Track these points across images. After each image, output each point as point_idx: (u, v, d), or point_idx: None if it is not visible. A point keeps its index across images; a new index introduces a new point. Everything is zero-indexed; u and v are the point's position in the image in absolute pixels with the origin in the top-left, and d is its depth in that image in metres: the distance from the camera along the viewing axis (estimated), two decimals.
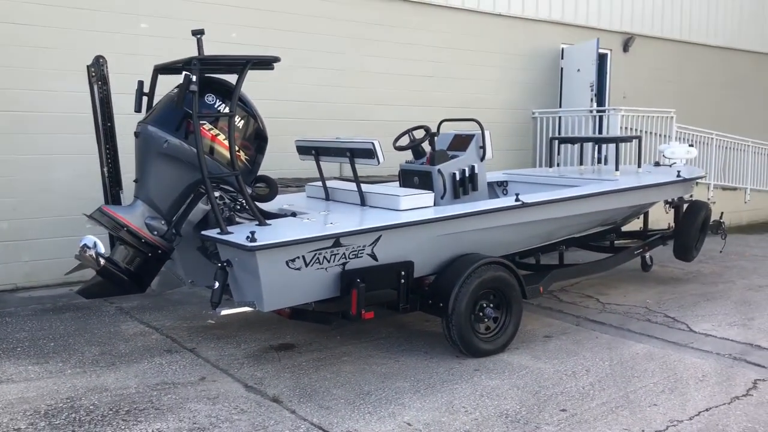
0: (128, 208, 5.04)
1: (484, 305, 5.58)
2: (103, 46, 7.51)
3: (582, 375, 5.22)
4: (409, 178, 6.57)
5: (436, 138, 6.56)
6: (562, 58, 12.39)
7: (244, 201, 5.10)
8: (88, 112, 5.34)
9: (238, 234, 4.66)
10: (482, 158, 6.48)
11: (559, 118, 11.86)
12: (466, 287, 5.38)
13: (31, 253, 7.77)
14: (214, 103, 5.06)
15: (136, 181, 5.14)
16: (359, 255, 5.03)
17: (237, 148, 5.15)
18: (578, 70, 11.96)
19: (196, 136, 4.78)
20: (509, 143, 11.91)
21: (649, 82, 13.83)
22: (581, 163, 8.56)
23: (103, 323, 6.43)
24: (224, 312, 4.79)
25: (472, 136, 6.50)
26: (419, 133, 6.63)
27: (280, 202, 6.27)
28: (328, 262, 4.89)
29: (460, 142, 6.57)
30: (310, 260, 4.79)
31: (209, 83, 5.15)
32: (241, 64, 5.04)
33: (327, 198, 6.28)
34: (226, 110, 5.05)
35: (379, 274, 5.16)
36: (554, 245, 7.15)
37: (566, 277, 6.88)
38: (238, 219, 5.39)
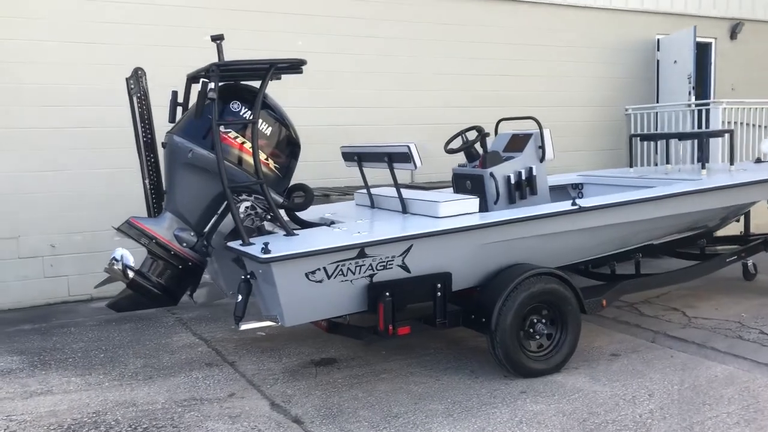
0: (157, 220, 4.98)
1: (535, 321, 5.09)
2: (165, 58, 7.64)
3: (643, 401, 4.63)
4: (461, 183, 6.17)
5: (489, 139, 6.12)
6: (658, 50, 11.49)
7: (270, 211, 4.89)
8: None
9: (257, 245, 4.46)
10: (542, 159, 5.97)
11: (655, 114, 10.98)
12: (511, 301, 4.92)
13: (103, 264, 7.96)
14: (240, 111, 4.90)
15: (165, 192, 5.07)
16: (388, 266, 4.71)
17: (265, 156, 4.97)
18: (675, 61, 11.04)
19: (215, 145, 4.64)
20: (599, 142, 11.19)
21: (762, 72, 12.59)
22: (668, 162, 7.79)
23: (157, 334, 6.45)
24: (244, 327, 4.60)
25: (530, 135, 6.02)
26: (473, 135, 6.20)
27: (326, 210, 6.06)
28: (353, 274, 4.60)
29: (517, 143, 6.10)
30: (333, 272, 4.51)
31: (236, 90, 5.01)
32: (264, 69, 4.84)
33: (372, 206, 6.00)
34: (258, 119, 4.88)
35: (411, 287, 4.81)
36: (629, 253, 6.49)
37: (639, 288, 6.21)
38: (270, 229, 5.20)
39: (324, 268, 4.48)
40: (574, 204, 5.35)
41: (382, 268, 4.69)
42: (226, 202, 5.12)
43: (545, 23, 10.60)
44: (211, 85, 4.64)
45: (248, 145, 4.87)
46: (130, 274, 4.83)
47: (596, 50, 11.09)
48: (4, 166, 7.48)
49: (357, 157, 5.84)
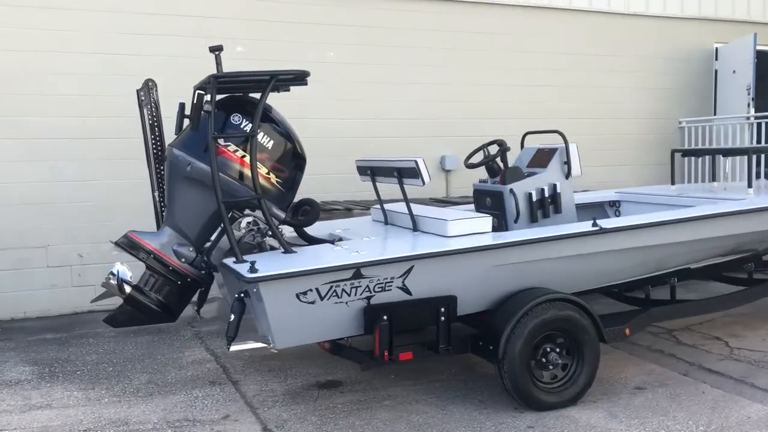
0: (155, 234, 4.87)
1: (548, 350, 4.75)
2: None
3: None
4: (481, 200, 5.87)
5: (514, 153, 5.81)
6: (716, 59, 10.87)
7: (268, 227, 4.72)
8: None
9: (246, 264, 4.28)
10: (567, 176, 5.61)
11: (711, 127, 10.37)
12: (520, 328, 4.60)
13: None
14: (240, 124, 4.75)
15: (164, 206, 4.97)
16: (387, 288, 4.46)
17: (267, 171, 4.81)
18: (734, 71, 10.41)
19: (210, 158, 4.50)
20: (650, 157, 10.65)
21: None
22: (713, 179, 7.27)
23: (170, 348, 6.37)
24: (234, 348, 4.44)
25: (555, 150, 5.67)
26: (495, 149, 5.90)
27: (339, 226, 5.87)
28: (349, 295, 4.37)
29: (542, 158, 5.77)
30: (326, 293, 4.30)
31: (239, 103, 4.88)
32: (264, 81, 4.69)
33: (386, 222, 5.76)
34: (259, 132, 4.73)
35: (411, 311, 4.55)
36: (664, 277, 6.04)
37: (669, 316, 5.75)
38: (274, 245, 5.03)
39: (316, 289, 4.27)
40: (594, 225, 4.98)
41: (380, 290, 4.45)
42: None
43: (592, 32, 10.18)
44: (207, 97, 4.53)
45: (249, 158, 4.71)
46: (127, 289, 4.74)
47: (648, 60, 10.57)
48: (35, 177, 7.59)
49: (370, 171, 5.63)
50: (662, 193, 6.81)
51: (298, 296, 4.24)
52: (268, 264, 4.28)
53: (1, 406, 4.97)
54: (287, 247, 4.67)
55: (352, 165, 8.33)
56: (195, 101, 4.59)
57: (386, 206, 5.71)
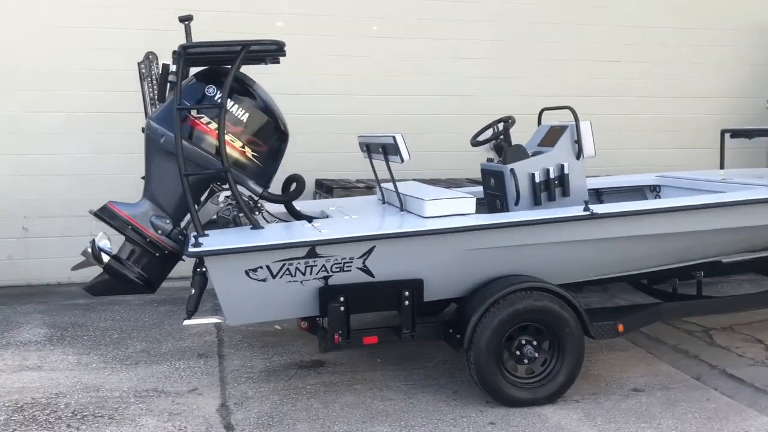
0: (134, 205, 4.90)
1: (523, 342, 4.40)
2: None
3: None
4: (487, 180, 5.53)
5: (511, 130, 5.42)
6: None
7: (235, 200, 4.63)
8: None
9: (198, 239, 4.22)
10: (578, 156, 5.17)
11: None
12: (489, 317, 4.29)
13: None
14: (215, 96, 4.67)
15: (143, 178, 5.00)
16: (346, 269, 4.27)
17: (241, 144, 4.73)
18: None
19: (175, 130, 4.46)
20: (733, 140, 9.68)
21: None
22: None
23: (181, 319, 6.46)
24: (187, 322, 4.42)
25: (565, 127, 5.24)
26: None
27: (338, 203, 5.71)
28: (303, 274, 4.22)
29: (552, 137, 5.35)
30: (278, 271, 4.17)
31: (217, 74, 4.80)
32: (234, 52, 4.58)
33: (383, 201, 5.55)
34: (233, 104, 4.65)
35: (371, 293, 4.34)
36: (690, 269, 5.46)
37: (679, 314, 5.20)
38: (268, 220, 4.98)
39: (267, 267, 4.15)
40: (586, 209, 4.54)
41: (338, 270, 4.27)
42: (209, 190, 4.99)
43: (669, 1, 9.35)
44: (172, 67, 4.48)
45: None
46: (105, 258, 4.81)
47: (737, 32, 9.61)
48: (81, 148, 7.88)
49: (366, 147, 5.42)
50: (706, 178, 6.16)
51: (247, 273, 4.14)
52: (220, 239, 4.21)
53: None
54: (255, 223, 4.56)
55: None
56: (161, 72, 4.55)
57: (397, 186, 5.47)
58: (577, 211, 4.55)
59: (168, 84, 4.54)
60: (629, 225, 4.63)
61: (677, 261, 5.11)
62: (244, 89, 4.79)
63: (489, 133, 5.56)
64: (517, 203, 5.10)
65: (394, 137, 4.70)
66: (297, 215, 5.19)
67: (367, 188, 7.19)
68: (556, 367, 4.42)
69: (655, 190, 6.54)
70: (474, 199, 4.67)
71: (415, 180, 7.59)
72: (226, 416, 4.30)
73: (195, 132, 4.65)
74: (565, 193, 5.16)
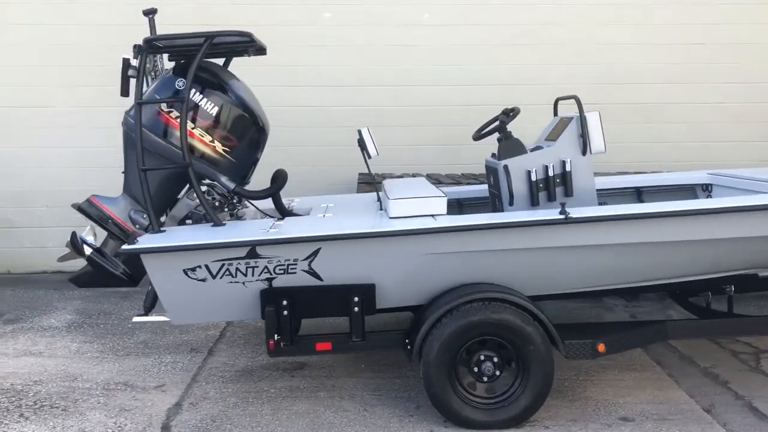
0: (115, 200, 4.93)
1: (482, 358, 3.99)
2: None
3: None
4: (489, 177, 5.11)
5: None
6: None
7: (196, 195, 4.54)
8: None
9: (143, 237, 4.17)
10: (584, 151, 4.63)
11: None
12: (440, 329, 3.92)
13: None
14: (183, 89, 4.60)
15: (123, 173, 5.02)
16: (290, 271, 4.06)
17: (210, 138, 4.63)
18: None
19: (136, 124, 4.43)
20: None
21: None
22: None
23: None
24: (136, 319, 4.39)
25: (570, 119, 4.71)
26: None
27: (331, 201, 5.49)
28: (245, 275, 4.05)
29: (557, 130, 4.83)
30: (218, 271, 4.03)
31: (188, 68, 4.72)
32: (197, 44, 4.48)
33: (378, 199, 5.26)
34: (202, 98, 4.58)
35: (316, 297, 4.09)
36: (720, 283, 4.73)
37: (687, 334, 4.47)
38: (255, 217, 4.91)
39: (206, 266, 4.02)
40: (562, 212, 4.03)
41: (282, 272, 4.06)
42: (187, 186, 4.95)
43: None
44: (133, 62, 4.44)
45: (190, 125, 4.58)
46: (87, 250, 4.89)
47: None
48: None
49: (359, 142, 5.16)
50: (761, 177, 5.34)
51: (186, 272, 4.03)
52: (168, 236, 4.13)
53: (3, 348, 5.47)
54: (216, 220, 4.46)
55: (453, 135, 7.92)
56: (122, 66, 4.53)
57: (382, 184, 5.21)
58: (551, 214, 4.04)
59: (129, 78, 4.50)
60: (614, 231, 4.06)
61: (692, 273, 4.43)
62: (216, 83, 4.68)
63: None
64: (511, 203, 4.65)
65: (360, 131, 4.42)
66: (284, 212, 5.04)
67: (457, 184, 6.81)
68: (518, 388, 3.97)
69: (706, 190, 5.77)
70: (445, 199, 4.28)
71: (428, 175, 7.25)
72: (171, 417, 4.24)
73: (167, 127, 4.60)
74: (568, 192, 4.64)
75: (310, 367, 5.00)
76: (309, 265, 4.05)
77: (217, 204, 4.90)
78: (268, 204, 5.08)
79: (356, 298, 4.08)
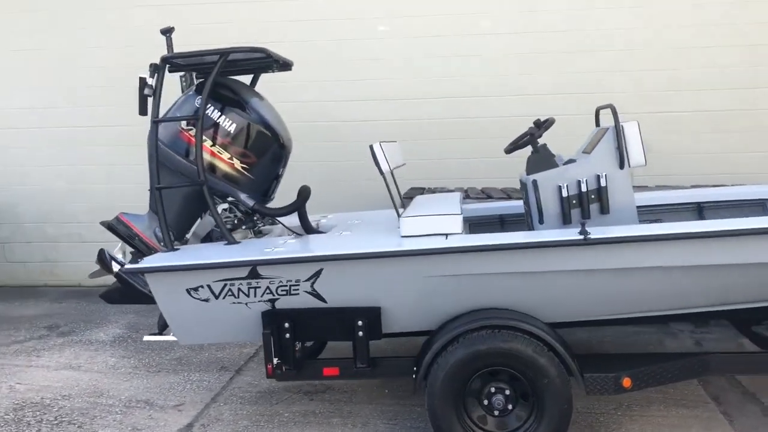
0: (141, 217, 4.97)
1: (493, 391, 3.68)
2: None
3: None
4: (523, 193, 4.80)
5: (542, 132, 4.62)
6: None
7: (211, 213, 4.49)
8: None
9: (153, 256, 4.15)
10: (622, 165, 4.26)
11: None
12: (445, 357, 3.66)
13: None
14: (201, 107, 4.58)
15: (149, 190, 5.05)
16: (293, 292, 3.91)
17: (229, 156, 4.59)
18: None
19: (149, 142, 4.45)
20: None
21: None
22: None
23: None
24: (147, 338, 4.36)
25: (606, 129, 4.35)
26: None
27: (364, 217, 5.33)
28: (247, 296, 3.94)
29: (593, 142, 4.47)
30: (220, 291, 3.94)
31: (213, 86, 4.70)
32: (212, 62, 4.44)
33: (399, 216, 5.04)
34: (220, 116, 4.56)
35: (320, 320, 3.92)
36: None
37: (724, 369, 3.94)
38: (279, 234, 4.84)
39: (209, 286, 3.94)
40: (582, 232, 3.67)
41: (285, 293, 3.92)
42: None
43: None
44: (149, 80, 4.45)
45: (209, 143, 4.55)
46: (115, 267, 4.94)
47: None
48: None
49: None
50: None
51: (189, 292, 3.96)
52: (175, 256, 4.09)
53: (47, 361, 5.63)
54: (230, 238, 4.39)
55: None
56: (139, 85, 4.55)
57: (401, 200, 5.00)
58: (570, 234, 3.70)
59: (146, 97, 4.51)
60: (637, 254, 3.66)
61: (730, 301, 3.94)
62: (235, 100, 4.64)
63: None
64: (541, 221, 4.31)
65: (371, 146, 4.23)
66: (308, 229, 4.93)
67: (508, 197, 6.55)
68: (532, 424, 3.63)
69: (764, 204, 5.21)
70: (459, 217, 4.01)
71: (483, 189, 6.93)
72: None
73: (188, 146, 4.60)
74: (604, 209, 4.26)
75: (333, 391, 4.83)
76: (311, 286, 3.89)
77: (236, 222, 4.85)
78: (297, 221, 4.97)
79: (360, 322, 3.88)
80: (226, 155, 4.59)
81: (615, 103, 5.29)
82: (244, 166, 4.62)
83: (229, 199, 4.82)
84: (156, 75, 4.46)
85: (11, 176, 8.59)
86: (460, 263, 3.78)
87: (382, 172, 4.26)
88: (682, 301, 3.85)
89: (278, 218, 5.03)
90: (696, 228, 3.59)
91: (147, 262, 3.98)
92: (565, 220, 4.28)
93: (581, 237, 3.63)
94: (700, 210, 5.32)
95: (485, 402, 3.69)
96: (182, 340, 4.17)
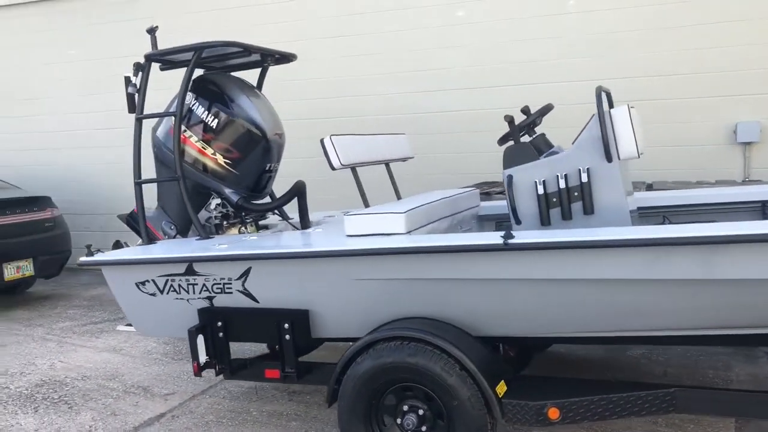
0: (152, 211, 5.18)
1: (406, 408, 3.34)
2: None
3: None
4: None
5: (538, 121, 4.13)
6: None
7: (188, 207, 4.53)
8: None
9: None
10: (609, 158, 3.69)
11: None
12: (354, 368, 3.38)
13: None
14: (189, 104, 4.66)
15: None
16: (227, 290, 3.84)
17: (212, 151, 4.63)
18: None
19: (134, 140, 4.60)
20: None
21: None
22: None
23: None
24: (119, 328, 4.51)
25: (592, 117, 3.79)
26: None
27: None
28: (187, 292, 3.94)
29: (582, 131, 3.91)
30: (164, 287, 3.98)
31: (201, 82, 4.77)
32: (189, 56, 4.49)
33: None
34: (204, 111, 4.62)
35: (249, 321, 3.81)
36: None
37: (710, 408, 3.15)
38: (281, 228, 4.87)
39: (153, 281, 4.00)
40: (507, 236, 3.18)
41: (219, 291, 3.87)
42: (213, 198, 5.01)
43: None
44: (134, 79, 4.60)
45: (194, 139, 4.63)
46: None
47: None
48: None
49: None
50: None
51: (138, 286, 4.05)
52: (138, 250, 4.20)
53: (100, 343, 6.07)
54: (203, 233, 4.44)
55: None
56: (125, 83, 4.70)
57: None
58: (491, 238, 3.22)
59: (134, 95, 4.65)
60: (565, 264, 3.09)
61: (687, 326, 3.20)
62: (219, 95, 4.66)
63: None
64: (518, 221, 3.87)
65: (322, 141, 4.03)
66: (305, 225, 4.85)
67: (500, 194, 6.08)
68: None
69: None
70: (403, 216, 3.67)
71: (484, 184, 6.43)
72: (140, 427, 4.28)
73: (179, 143, 4.70)
74: (587, 210, 3.72)
75: (318, 393, 4.68)
76: (243, 285, 3.80)
77: (222, 216, 4.86)
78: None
79: (286, 325, 3.71)
80: (209, 151, 4.62)
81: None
82: (228, 161, 4.62)
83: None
84: (140, 73, 4.60)
85: (91, 172, 9.45)
86: (383, 267, 3.47)
87: (332, 168, 4.04)
88: (624, 322, 3.21)
89: (271, 213, 5.01)
90: (632, 234, 2.96)
91: (99, 255, 4.11)
92: (543, 221, 3.79)
93: (502, 242, 3.15)
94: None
95: (398, 421, 3.35)
96: (141, 331, 4.28)
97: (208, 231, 4.82)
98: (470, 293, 3.35)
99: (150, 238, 4.57)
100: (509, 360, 3.95)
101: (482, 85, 7.52)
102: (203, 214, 4.93)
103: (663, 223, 4.21)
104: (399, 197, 5.12)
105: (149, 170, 4.78)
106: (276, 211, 5.16)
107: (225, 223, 4.80)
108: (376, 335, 3.35)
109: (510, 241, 3.12)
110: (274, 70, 5.43)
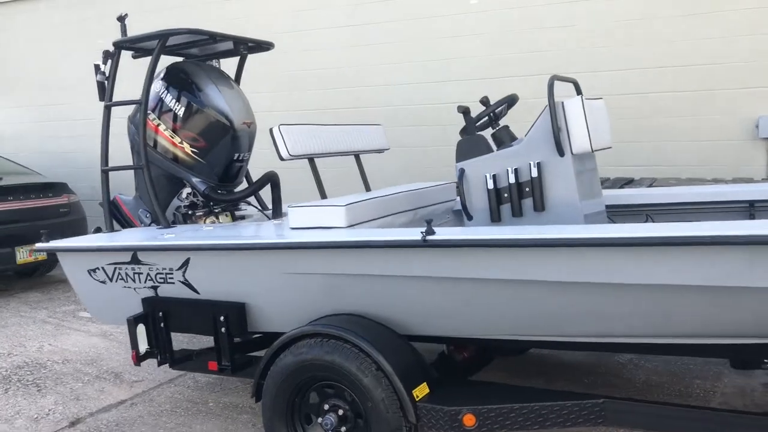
0: (131, 199, 5.22)
1: (326, 408, 3.24)
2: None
3: None
4: None
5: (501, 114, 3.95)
6: None
7: (150, 196, 4.53)
8: None
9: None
10: (560, 151, 3.50)
11: None
12: (278, 365, 3.30)
13: None
14: (159, 92, 4.65)
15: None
16: (169, 280, 3.82)
17: (180, 140, 4.62)
18: None
19: (102, 127, 4.63)
20: None
21: None
22: None
23: None
24: (82, 314, 4.54)
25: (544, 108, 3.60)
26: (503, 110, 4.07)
27: None
28: (134, 281, 3.94)
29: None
30: (113, 275, 3.99)
31: (171, 71, 4.75)
32: (157, 43, 4.48)
33: None
34: (172, 100, 4.61)
35: (187, 312, 3.77)
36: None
37: (642, 423, 2.90)
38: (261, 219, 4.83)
39: (103, 269, 4.01)
40: (428, 232, 3.03)
41: (162, 281, 3.85)
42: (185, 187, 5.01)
43: None
44: (102, 67, 4.62)
45: (163, 127, 4.63)
46: None
47: None
48: None
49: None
50: None
51: (89, 273, 4.07)
52: (96, 238, 4.23)
53: (94, 328, 6.16)
54: (164, 222, 4.45)
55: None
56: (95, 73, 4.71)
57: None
58: (412, 234, 3.07)
59: (103, 83, 4.67)
60: (482, 262, 2.92)
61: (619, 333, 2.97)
62: (188, 84, 4.63)
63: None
64: (470, 217, 3.72)
65: (270, 130, 3.95)
66: (278, 215, 4.82)
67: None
68: None
69: (751, 207, 3.97)
70: (342, 209, 3.56)
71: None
72: (96, 413, 4.31)
73: (152, 133, 4.71)
74: (540, 206, 3.54)
75: None
76: (183, 275, 3.77)
77: (190, 205, 4.84)
78: None
79: (222, 318, 3.65)
80: (177, 140, 4.61)
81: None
82: (195, 150, 4.59)
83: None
84: (109, 61, 4.61)
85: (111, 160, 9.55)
86: (312, 261, 3.37)
87: (281, 158, 3.95)
88: (552, 327, 3.01)
89: (248, 203, 4.98)
90: (562, 234, 2.76)
91: (54, 242, 4.15)
92: (493, 218, 3.63)
93: (420, 238, 3.00)
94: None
95: (319, 420, 3.25)
96: (96, 318, 4.30)
97: (177, 220, 4.82)
98: (395, 290, 3.22)
99: (113, 226, 4.59)
100: (463, 361, 3.80)
101: (491, 76, 7.27)
102: (175, 203, 4.93)
103: (646, 222, 3.99)
104: (368, 190, 5.01)
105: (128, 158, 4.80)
106: (253, 201, 5.13)
107: (193, 212, 4.78)
108: (299, 330, 3.26)
109: (429, 237, 2.97)
110: (279, 62, 5.38)
